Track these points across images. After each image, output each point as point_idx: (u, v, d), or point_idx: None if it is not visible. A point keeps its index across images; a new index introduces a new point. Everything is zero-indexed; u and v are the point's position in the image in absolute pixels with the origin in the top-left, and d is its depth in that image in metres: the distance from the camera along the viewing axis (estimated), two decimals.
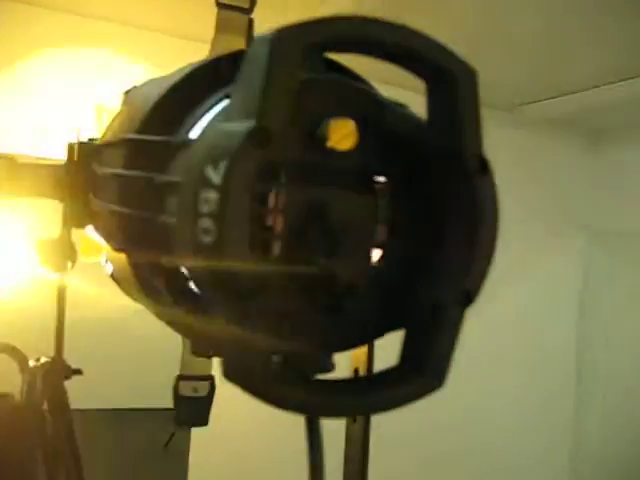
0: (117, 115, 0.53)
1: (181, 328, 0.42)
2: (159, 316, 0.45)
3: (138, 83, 0.56)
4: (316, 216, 0.31)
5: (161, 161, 0.35)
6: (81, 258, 0.88)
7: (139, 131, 0.36)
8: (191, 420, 0.59)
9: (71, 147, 0.46)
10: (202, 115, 0.35)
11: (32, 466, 0.44)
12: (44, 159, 0.59)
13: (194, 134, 0.34)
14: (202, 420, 0.59)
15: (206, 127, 0.32)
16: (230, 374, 0.28)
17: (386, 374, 0.32)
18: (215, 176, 0.26)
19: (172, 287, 0.36)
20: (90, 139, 0.76)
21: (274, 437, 2.96)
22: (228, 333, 0.29)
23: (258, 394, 0.28)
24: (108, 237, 0.40)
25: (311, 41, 0.28)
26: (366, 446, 0.53)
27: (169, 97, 0.37)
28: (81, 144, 0.45)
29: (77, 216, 0.46)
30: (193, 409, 0.59)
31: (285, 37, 0.28)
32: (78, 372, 0.47)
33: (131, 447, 5.27)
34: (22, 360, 0.47)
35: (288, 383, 0.29)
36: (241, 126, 0.27)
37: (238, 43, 0.57)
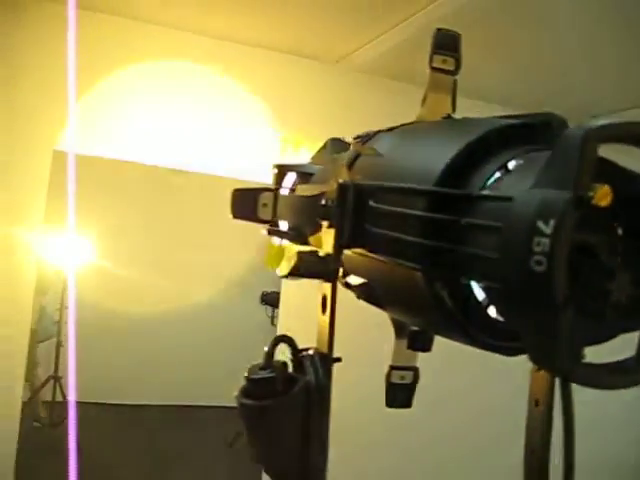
0: (356, 155, 0.67)
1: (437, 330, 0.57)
2: (425, 323, 0.59)
3: (373, 129, 0.71)
4: (587, 253, 0.45)
5: (461, 207, 0.49)
6: (266, 266, 1.04)
7: (437, 184, 0.50)
8: (398, 403, 0.73)
9: (345, 187, 0.60)
10: (490, 174, 0.49)
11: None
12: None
13: (486, 190, 0.49)
14: (407, 403, 0.73)
15: (515, 188, 0.46)
16: (537, 360, 0.43)
17: (632, 361, 0.46)
18: (546, 228, 0.40)
19: (457, 298, 0.51)
20: (283, 165, 0.91)
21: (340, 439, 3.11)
22: (534, 332, 0.43)
23: (561, 373, 0.42)
24: (394, 257, 0.54)
25: (605, 137, 0.42)
26: (549, 431, 0.66)
27: (461, 156, 0.50)
28: (356, 185, 0.59)
29: (348, 239, 0.60)
30: (400, 394, 0.73)
31: (592, 134, 0.41)
32: (338, 360, 0.61)
33: (198, 444, 5.38)
34: (295, 349, 0.61)
35: (584, 365, 0.43)
36: (563, 194, 0.41)
37: (444, 100, 0.70)
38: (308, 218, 0.67)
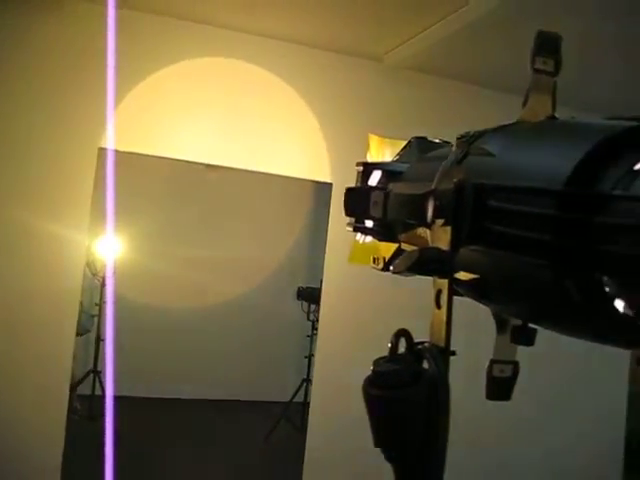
0: (464, 155, 0.69)
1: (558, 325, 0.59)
2: (547, 318, 0.61)
3: (473, 130, 0.73)
4: None
5: (592, 207, 0.51)
6: (350, 262, 1.07)
7: (567, 184, 0.52)
8: (497, 395, 0.75)
9: (463, 185, 0.62)
10: (621, 175, 0.51)
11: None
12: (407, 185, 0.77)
13: (618, 190, 0.50)
14: (506, 396, 0.75)
15: None
16: None
17: None
18: None
19: (585, 293, 0.53)
20: (369, 164, 0.94)
21: None
22: None
23: None
24: (520, 255, 0.56)
25: None
26: None
27: (590, 157, 0.52)
28: (475, 184, 0.61)
29: (467, 237, 0.62)
30: (499, 387, 0.75)
31: None
32: (453, 353, 0.63)
33: (235, 436, 5.42)
34: (412, 342, 0.64)
35: None
36: None
37: (545, 101, 0.72)
38: (418, 216, 0.69)
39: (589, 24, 2.90)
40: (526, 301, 0.61)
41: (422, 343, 0.64)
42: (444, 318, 0.62)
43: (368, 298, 3.57)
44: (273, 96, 3.58)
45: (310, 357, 5.45)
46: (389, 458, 0.61)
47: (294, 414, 5.44)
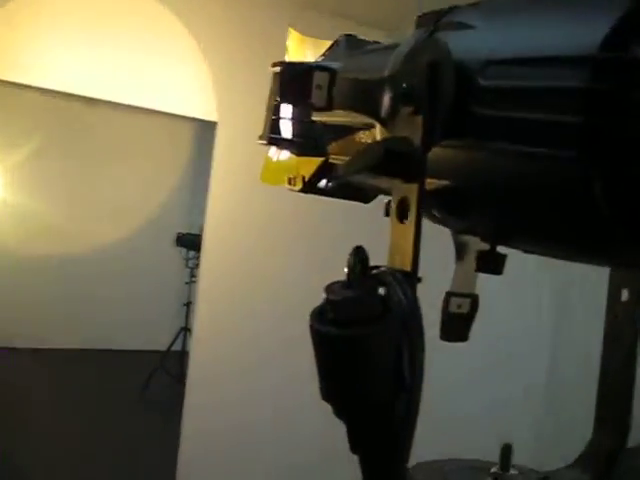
0: (431, 32, 0.55)
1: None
2: (550, 236, 0.48)
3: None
4: None
5: (627, 79, 0.38)
6: (263, 182, 0.91)
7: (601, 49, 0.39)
8: (454, 335, 0.62)
9: (438, 61, 0.48)
10: None
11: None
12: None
13: None
14: (463, 336, 0.63)
15: None
16: None
17: None
18: None
19: (616, 194, 0.40)
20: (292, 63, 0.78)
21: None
22: None
23: None
24: (526, 146, 0.42)
25: None
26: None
27: (626, 20, 0.39)
28: (457, 60, 0.47)
29: (447, 126, 0.48)
30: (456, 325, 0.62)
31: None
32: (419, 280, 0.49)
33: (110, 387, 5.23)
34: (366, 264, 0.49)
35: None
36: None
37: None
38: (372, 106, 0.54)
39: None
40: (523, 212, 0.47)
41: (377, 267, 0.50)
42: (411, 234, 0.48)
43: (252, 245, 3.43)
44: (155, 24, 3.33)
45: (189, 304, 5.28)
46: (340, 413, 0.47)
47: (171, 363, 5.27)
